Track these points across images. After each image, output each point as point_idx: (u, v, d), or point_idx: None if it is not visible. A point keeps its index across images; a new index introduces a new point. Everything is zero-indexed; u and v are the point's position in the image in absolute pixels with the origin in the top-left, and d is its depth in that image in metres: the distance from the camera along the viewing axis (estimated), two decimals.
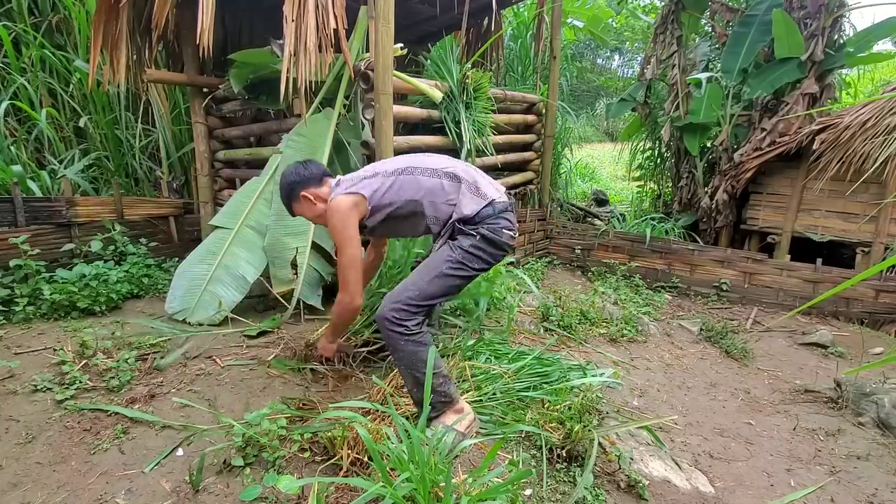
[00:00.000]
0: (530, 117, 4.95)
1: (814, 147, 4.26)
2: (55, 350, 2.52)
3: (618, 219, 5.99)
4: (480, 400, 2.12)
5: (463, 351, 2.45)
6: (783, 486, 2.07)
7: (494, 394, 2.16)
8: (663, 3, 5.95)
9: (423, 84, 3.36)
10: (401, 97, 4.12)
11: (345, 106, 3.27)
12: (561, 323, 3.30)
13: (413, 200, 1.97)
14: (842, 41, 4.56)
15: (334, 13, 2.60)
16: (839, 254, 4.63)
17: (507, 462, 1.82)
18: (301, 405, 2.16)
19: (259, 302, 3.49)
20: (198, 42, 2.51)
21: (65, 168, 4.43)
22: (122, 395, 2.20)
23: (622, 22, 11.31)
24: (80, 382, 2.23)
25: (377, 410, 1.88)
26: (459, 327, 2.75)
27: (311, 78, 2.62)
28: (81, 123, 4.61)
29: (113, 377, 2.27)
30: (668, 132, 5.44)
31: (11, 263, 3.10)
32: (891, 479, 2.11)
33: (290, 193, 2.09)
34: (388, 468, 1.47)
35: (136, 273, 3.61)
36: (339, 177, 2.12)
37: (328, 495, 1.60)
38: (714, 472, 2.12)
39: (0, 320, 2.94)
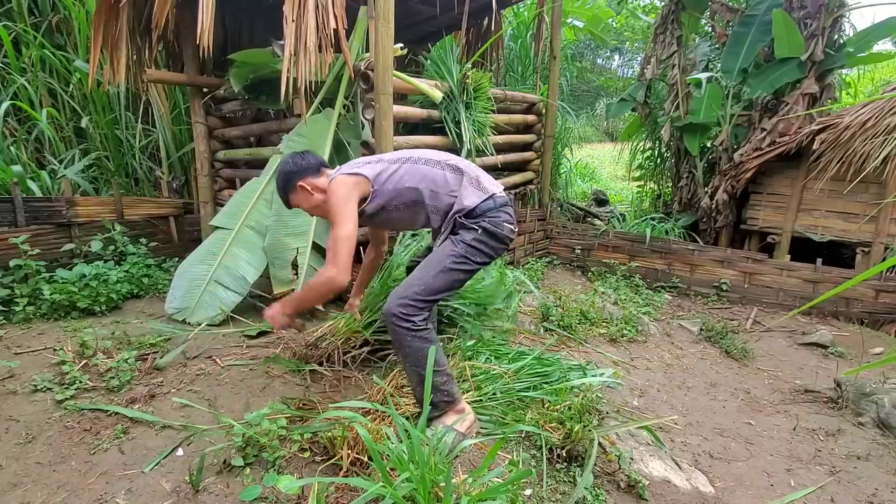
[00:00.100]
0: (530, 117, 4.95)
1: (814, 147, 4.26)
2: (55, 350, 2.52)
3: (618, 219, 5.99)
4: (480, 400, 2.12)
5: (463, 351, 2.45)
6: (783, 486, 2.07)
7: (494, 394, 2.16)
8: (663, 3, 5.95)
9: (423, 84, 3.36)
10: (401, 97, 4.12)
11: (345, 106, 3.27)
12: (561, 323, 3.30)
13: (415, 189, 1.97)
14: (842, 41, 4.56)
15: (334, 13, 2.60)
16: (839, 254, 4.63)
17: (507, 462, 1.82)
18: (301, 405, 2.16)
19: (259, 302, 3.49)
20: (198, 42, 2.51)
21: (65, 168, 4.43)
22: (122, 395, 2.20)
23: (622, 22, 11.31)
24: (80, 382, 2.23)
25: (377, 410, 1.87)
26: (461, 327, 2.75)
27: (311, 78, 2.62)
28: (83, 124, 4.61)
29: (113, 377, 2.27)
30: (668, 132, 5.44)
31: (11, 263, 3.10)
32: (891, 479, 2.11)
33: (287, 184, 2.03)
34: (388, 468, 1.47)
35: (136, 273, 3.61)
36: (338, 167, 2.10)
37: (328, 495, 1.60)
38: (714, 472, 2.12)
39: (0, 320, 2.94)
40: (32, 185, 3.91)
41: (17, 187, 3.42)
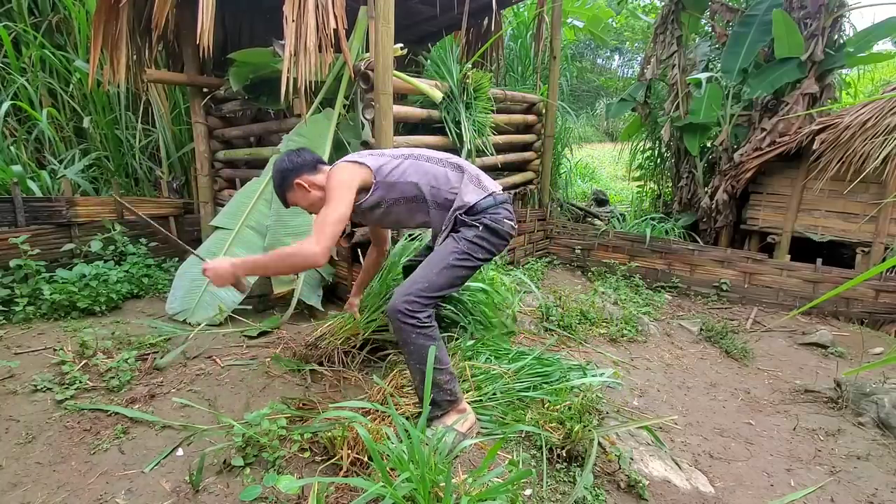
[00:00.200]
0: (530, 117, 4.95)
1: (814, 147, 4.26)
2: (55, 350, 2.52)
3: (618, 219, 5.99)
4: (480, 400, 2.12)
5: (463, 351, 2.45)
6: (783, 486, 2.07)
7: (494, 394, 2.16)
8: (663, 3, 5.95)
9: (423, 84, 3.37)
10: (401, 97, 4.12)
11: (345, 106, 3.27)
12: (561, 323, 3.30)
13: (416, 184, 1.98)
14: (842, 41, 4.56)
15: (334, 13, 2.60)
16: (839, 254, 4.63)
17: (507, 462, 1.82)
18: (301, 405, 2.16)
19: (259, 302, 3.49)
20: (198, 42, 2.51)
21: (65, 168, 4.43)
22: (122, 395, 2.20)
23: (622, 22, 11.31)
24: (80, 382, 2.23)
25: (377, 410, 1.88)
26: (462, 327, 2.75)
27: (311, 78, 2.62)
28: (85, 124, 4.61)
29: (113, 377, 2.27)
30: (668, 132, 5.44)
31: (11, 263, 3.10)
32: (891, 479, 2.11)
33: (283, 182, 1.98)
34: (388, 468, 1.47)
35: (136, 273, 3.61)
36: (337, 161, 2.08)
37: (328, 495, 1.60)
38: (714, 472, 2.12)
39: (0, 320, 2.94)
40: (32, 185, 3.91)
41: (17, 187, 3.43)
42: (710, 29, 5.95)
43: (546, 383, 2.27)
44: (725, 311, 4.38)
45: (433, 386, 1.76)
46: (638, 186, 7.15)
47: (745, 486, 2.05)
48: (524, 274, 4.02)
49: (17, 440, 1.89)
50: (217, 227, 3.44)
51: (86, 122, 4.62)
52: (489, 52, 5.56)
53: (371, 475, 1.64)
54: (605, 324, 3.50)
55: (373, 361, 2.53)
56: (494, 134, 4.10)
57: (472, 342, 2.55)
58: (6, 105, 4.19)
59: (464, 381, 2.21)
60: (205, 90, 4.09)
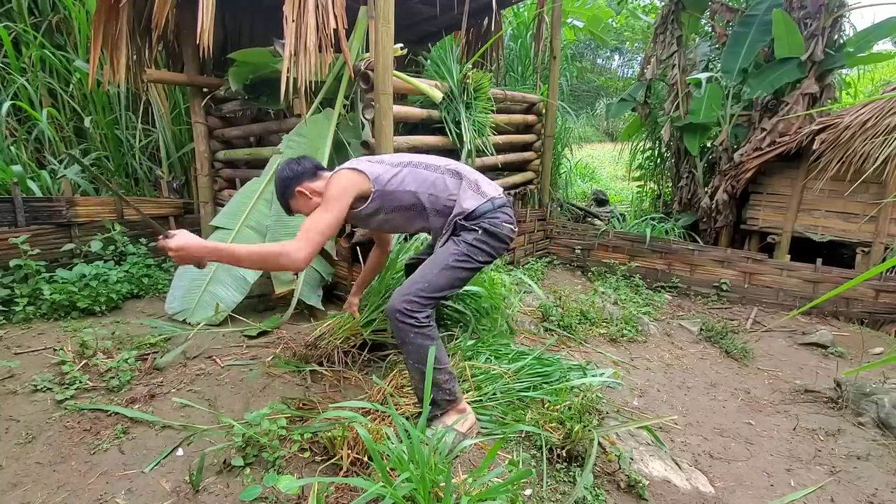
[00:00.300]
0: (530, 117, 4.95)
1: (814, 147, 4.26)
2: (55, 350, 2.52)
3: (618, 219, 5.99)
4: (480, 400, 2.12)
5: (463, 351, 2.45)
6: (783, 486, 2.07)
7: (494, 394, 2.16)
8: (663, 3, 5.95)
9: (423, 84, 3.37)
10: (401, 97, 4.12)
11: (345, 106, 3.27)
12: (561, 323, 3.30)
13: (414, 192, 1.98)
14: (842, 41, 4.56)
15: (334, 13, 2.60)
16: (839, 254, 4.63)
17: (507, 462, 1.82)
18: (301, 405, 2.16)
19: (259, 302, 3.49)
20: (198, 42, 2.51)
21: (65, 168, 4.43)
22: (122, 395, 2.20)
23: (622, 22, 11.31)
24: (80, 382, 2.23)
25: (377, 410, 1.88)
26: (462, 326, 2.75)
27: (311, 78, 2.62)
28: (86, 124, 4.61)
29: (113, 377, 2.27)
30: (668, 132, 5.44)
31: (11, 263, 3.10)
32: (891, 479, 2.11)
33: (286, 190, 2.01)
34: (388, 468, 1.47)
35: (136, 273, 3.61)
36: (337, 167, 2.08)
37: (328, 495, 1.60)
38: (714, 472, 2.12)
39: (0, 320, 2.94)
40: (32, 185, 3.91)
41: (17, 187, 3.43)
42: (710, 29, 5.95)
43: (546, 383, 2.27)
44: (725, 311, 4.38)
45: (432, 385, 1.76)
46: (638, 186, 7.15)
47: (745, 486, 2.05)
48: (524, 274, 4.02)
49: (17, 440, 1.89)
50: (217, 227, 3.44)
51: (86, 122, 4.62)
52: (489, 52, 5.56)
53: (371, 475, 1.64)
54: (605, 324, 3.50)
55: (373, 361, 2.53)
56: (494, 134, 4.10)
57: (472, 342, 2.55)
58: (6, 105, 4.19)
59: (464, 381, 2.21)
60: (205, 90, 4.09)
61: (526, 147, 5.09)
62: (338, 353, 2.50)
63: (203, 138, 4.24)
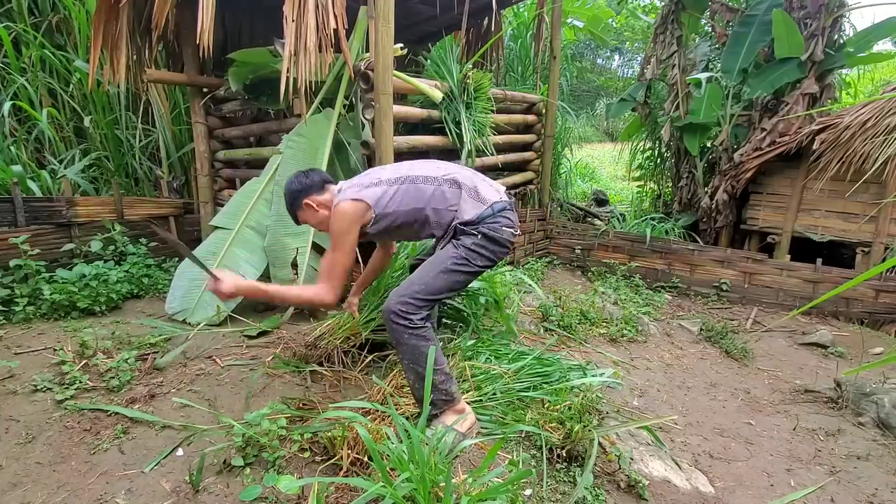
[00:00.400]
0: (530, 117, 4.95)
1: (814, 147, 4.26)
2: (55, 350, 2.52)
3: (618, 219, 5.99)
4: (480, 400, 2.12)
5: (463, 351, 2.45)
6: (783, 486, 2.07)
7: (494, 394, 2.16)
8: (663, 3, 5.95)
9: (423, 84, 3.36)
10: (401, 97, 4.12)
11: (345, 106, 3.27)
12: (561, 323, 3.30)
13: (416, 209, 2.01)
14: (842, 41, 4.56)
15: (334, 13, 2.60)
16: (839, 254, 4.63)
17: (507, 462, 1.82)
18: (301, 405, 2.16)
19: (259, 302, 3.49)
20: (198, 42, 2.51)
21: (65, 168, 4.43)
22: (122, 395, 2.20)
23: (622, 22, 11.31)
24: (80, 382, 2.23)
25: (377, 410, 1.88)
26: (461, 326, 2.75)
27: (311, 78, 2.62)
28: (86, 124, 4.61)
29: (113, 377, 2.27)
30: (668, 132, 5.44)
31: (11, 263, 3.10)
32: (891, 479, 2.11)
33: (294, 203, 2.09)
34: (388, 468, 1.47)
35: (136, 273, 3.61)
36: (340, 183, 2.14)
37: (328, 495, 1.60)
38: (714, 472, 2.12)
39: (0, 320, 2.94)
40: (32, 185, 3.91)
41: (17, 187, 3.43)
42: (710, 29, 5.95)
43: (546, 383, 2.27)
44: (725, 311, 4.38)
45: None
46: (638, 186, 7.15)
47: (745, 486, 2.05)
48: (524, 274, 4.02)
49: (17, 440, 1.89)
50: (217, 227, 3.43)
51: (86, 122, 4.62)
52: (489, 52, 5.56)
53: (371, 475, 1.64)
54: (605, 324, 3.50)
55: (373, 361, 2.53)
56: (494, 134, 4.10)
57: (472, 342, 2.55)
58: (7, 105, 4.19)
59: (464, 381, 2.21)
60: (205, 90, 4.09)
61: (526, 147, 5.09)
62: (338, 353, 2.50)
63: (203, 138, 4.24)
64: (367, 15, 3.12)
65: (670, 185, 6.20)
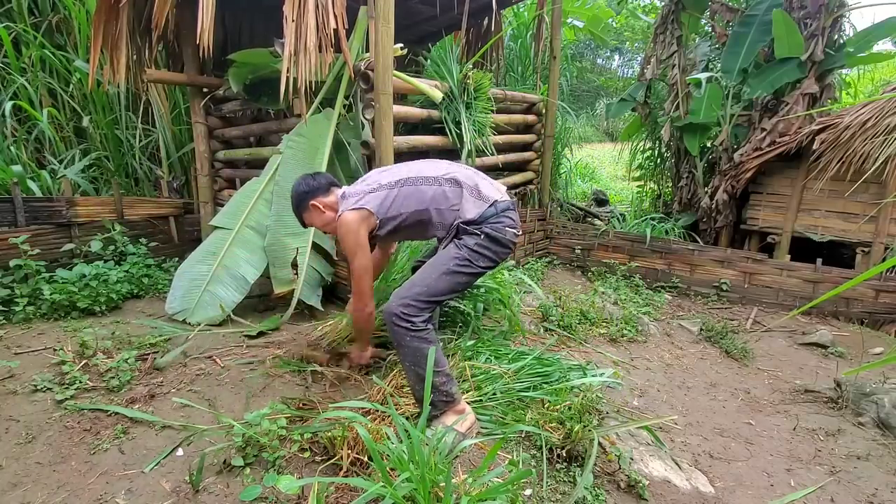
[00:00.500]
0: (530, 117, 4.95)
1: (814, 147, 4.25)
2: (55, 350, 2.52)
3: (618, 219, 5.99)
4: (480, 400, 2.12)
5: (463, 351, 2.45)
6: (783, 486, 2.07)
7: (494, 394, 2.16)
8: (663, 3, 5.95)
9: (423, 84, 3.36)
10: (401, 97, 4.12)
11: (345, 106, 3.27)
12: (561, 323, 3.30)
13: (419, 210, 2.02)
14: (842, 41, 4.56)
15: (334, 13, 2.60)
16: (839, 254, 4.63)
17: (507, 462, 1.82)
18: (301, 405, 2.16)
19: (259, 302, 3.49)
20: (198, 42, 2.51)
21: (65, 168, 4.43)
22: (122, 395, 2.20)
23: (622, 22, 11.31)
24: (80, 382, 2.23)
25: (377, 410, 1.88)
26: (462, 326, 2.75)
27: (311, 78, 2.62)
28: (85, 124, 4.61)
29: (113, 377, 2.27)
30: (668, 132, 5.44)
31: (11, 263, 3.10)
32: (891, 479, 2.11)
33: (301, 204, 2.14)
34: (388, 468, 1.47)
35: (136, 273, 3.61)
36: (344, 188, 2.18)
37: (328, 495, 1.60)
38: (714, 472, 2.12)
39: (0, 320, 2.94)
40: (32, 185, 3.91)
41: (17, 187, 3.43)
42: (710, 29, 5.95)
43: (546, 383, 2.27)
44: (725, 311, 4.38)
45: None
46: (638, 186, 7.15)
47: (745, 486, 2.05)
48: (524, 274, 4.02)
49: (17, 440, 1.89)
50: (217, 227, 3.43)
51: (85, 122, 4.62)
52: (489, 52, 5.56)
53: (371, 475, 1.64)
54: (605, 324, 3.50)
55: (373, 361, 2.53)
56: (494, 134, 4.10)
57: (472, 342, 2.55)
58: (8, 106, 4.19)
59: (464, 381, 2.21)
60: (205, 90, 4.09)
61: (526, 147, 5.09)
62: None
63: (203, 138, 4.24)
64: (367, 15, 3.12)
65: (670, 185, 6.20)
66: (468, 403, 2.02)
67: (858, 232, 4.32)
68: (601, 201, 7.52)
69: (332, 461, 1.76)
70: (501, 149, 4.44)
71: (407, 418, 1.86)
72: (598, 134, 14.72)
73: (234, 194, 3.55)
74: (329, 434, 1.81)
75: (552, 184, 5.84)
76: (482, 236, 1.95)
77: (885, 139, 3.95)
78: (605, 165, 11.39)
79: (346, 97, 3.23)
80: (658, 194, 6.68)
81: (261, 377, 2.42)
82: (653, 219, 5.42)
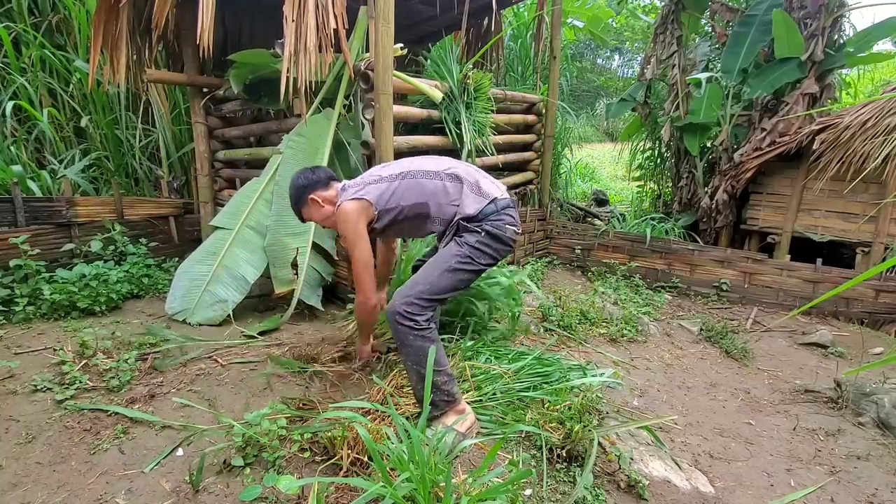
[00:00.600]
0: (530, 117, 4.95)
1: (814, 147, 4.25)
2: (55, 350, 2.52)
3: (618, 219, 5.99)
4: (480, 400, 2.12)
5: (463, 351, 2.45)
6: (783, 486, 2.07)
7: (494, 394, 2.16)
8: (663, 3, 5.95)
9: (423, 84, 3.36)
10: (401, 97, 4.12)
11: (345, 106, 3.27)
12: (561, 323, 3.30)
13: (418, 203, 2.01)
14: (842, 41, 4.56)
15: (334, 13, 2.60)
16: (839, 254, 4.63)
17: (507, 462, 1.82)
18: (301, 405, 2.16)
19: (259, 302, 3.49)
20: (198, 42, 2.51)
21: (65, 168, 4.43)
22: (122, 395, 2.20)
23: (622, 22, 11.31)
24: (80, 382, 2.23)
25: (377, 410, 1.88)
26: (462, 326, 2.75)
27: (311, 78, 2.62)
28: (83, 124, 4.61)
29: (113, 377, 2.28)
30: (668, 132, 5.43)
31: (11, 263, 3.10)
32: (891, 479, 2.11)
33: (300, 198, 2.13)
34: (388, 468, 1.47)
35: (136, 273, 3.61)
36: (344, 181, 2.17)
37: (328, 495, 1.60)
38: (714, 472, 2.12)
39: (0, 320, 2.94)
40: (32, 185, 3.91)
41: (17, 187, 3.43)
42: (710, 29, 5.94)
43: (546, 383, 2.27)
44: (725, 311, 4.38)
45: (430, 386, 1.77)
46: (638, 186, 7.15)
47: (745, 486, 2.05)
48: (524, 274, 4.02)
49: (17, 440, 1.89)
50: (217, 227, 3.43)
51: (83, 122, 4.62)
52: (489, 52, 5.56)
53: (371, 475, 1.64)
54: (605, 324, 3.50)
55: (373, 361, 2.53)
56: (494, 134, 4.10)
57: (471, 342, 2.55)
58: (8, 106, 4.19)
59: (464, 381, 2.21)
60: (205, 90, 4.09)
61: (526, 147, 5.09)
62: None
63: (203, 138, 4.24)
64: (367, 15, 3.12)
65: (670, 185, 6.20)
66: (468, 403, 2.02)
67: (858, 232, 4.32)
68: (601, 201, 7.52)
69: (332, 461, 1.76)
70: (501, 149, 4.44)
71: (407, 418, 1.86)
72: (598, 134, 14.72)
73: (235, 194, 3.55)
74: (329, 434, 1.81)
75: (552, 184, 5.84)
76: (483, 234, 1.95)
77: (885, 139, 3.95)
78: (605, 165, 11.39)
79: (346, 97, 3.24)
80: (658, 194, 6.68)
81: (261, 377, 2.42)
82: (653, 219, 5.41)
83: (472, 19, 5.01)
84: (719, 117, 5.03)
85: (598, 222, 6.28)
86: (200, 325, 3.08)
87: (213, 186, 4.38)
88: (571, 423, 1.93)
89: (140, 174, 4.95)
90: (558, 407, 2.05)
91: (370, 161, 3.13)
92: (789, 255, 4.54)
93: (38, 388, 2.19)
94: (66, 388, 2.19)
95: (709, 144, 5.41)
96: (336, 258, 3.37)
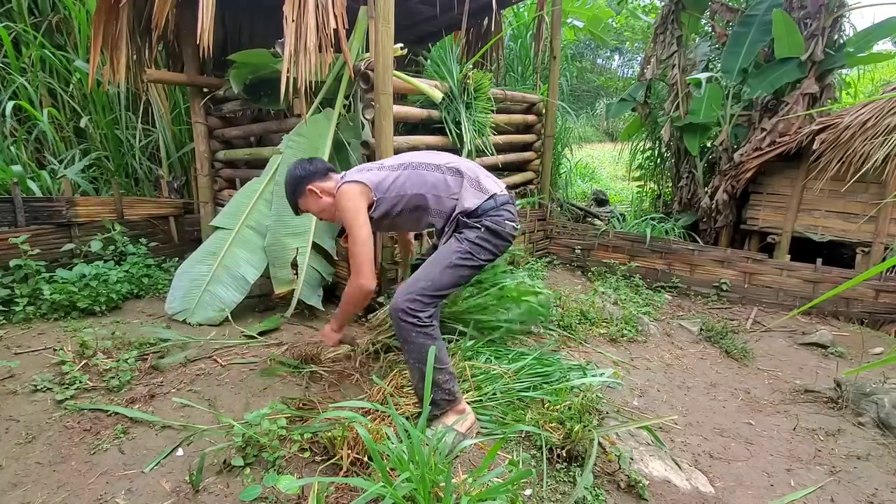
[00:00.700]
0: (530, 117, 4.95)
1: (814, 147, 4.25)
2: (55, 350, 2.52)
3: (618, 219, 5.99)
4: (480, 400, 2.12)
5: (463, 351, 2.45)
6: (783, 486, 2.07)
7: (494, 394, 2.16)
8: (663, 3, 5.95)
9: (423, 84, 3.36)
10: (401, 97, 4.12)
11: (345, 106, 3.27)
12: (561, 323, 3.30)
13: (417, 194, 2.01)
14: (842, 41, 4.56)
15: (334, 13, 2.60)
16: (839, 254, 4.63)
17: (507, 462, 1.82)
18: (301, 405, 2.16)
19: (259, 302, 3.49)
20: (198, 42, 2.51)
21: (65, 168, 4.43)
22: (122, 395, 2.20)
23: (622, 22, 11.31)
24: (80, 382, 2.23)
25: (377, 410, 1.88)
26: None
27: (311, 78, 2.62)
28: (83, 124, 4.61)
29: (113, 377, 2.28)
30: (668, 132, 5.43)
31: (11, 263, 3.10)
32: (891, 479, 2.11)
33: (296, 188, 2.09)
34: (388, 468, 1.47)
35: (136, 273, 3.61)
36: (343, 172, 2.16)
37: (328, 495, 1.60)
38: (714, 472, 2.12)
39: (0, 320, 2.94)
40: (32, 185, 3.91)
41: (17, 187, 3.42)
42: (710, 29, 5.94)
43: (546, 383, 2.27)
44: (725, 311, 4.38)
45: (432, 385, 1.77)
46: (638, 186, 7.15)
47: (745, 486, 2.05)
48: (524, 274, 4.02)
49: (17, 440, 1.89)
50: (217, 227, 3.43)
51: (83, 122, 4.62)
52: (489, 52, 5.56)
53: (371, 475, 1.64)
54: (605, 324, 3.50)
55: (373, 361, 2.53)
56: (494, 134, 4.10)
57: (471, 342, 2.55)
58: (8, 106, 4.19)
59: (464, 381, 2.21)
60: (205, 90, 4.09)
61: (526, 147, 5.09)
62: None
63: (203, 138, 4.24)
64: (367, 15, 3.12)
65: (670, 185, 6.20)
66: (468, 403, 2.02)
67: (858, 232, 4.32)
68: (601, 201, 7.52)
69: (332, 461, 1.76)
70: (501, 149, 4.44)
71: (407, 418, 1.87)
72: (598, 134, 14.72)
73: (235, 194, 3.55)
74: (329, 434, 1.81)
75: (552, 184, 5.84)
76: (482, 229, 1.96)
77: (885, 139, 3.95)
78: (605, 165, 11.39)
79: (346, 97, 3.23)
80: (658, 194, 6.68)
81: (261, 377, 2.42)
82: (653, 219, 5.41)
83: (472, 19, 5.01)
84: (719, 117, 5.03)
85: (598, 222, 6.28)
86: (200, 325, 3.08)
87: (213, 186, 4.38)
88: (571, 423, 1.93)
89: (140, 174, 4.95)
90: (558, 407, 2.05)
91: (370, 161, 3.13)
92: (789, 255, 4.54)
93: (38, 388, 2.19)
94: (66, 388, 2.19)
95: (709, 144, 5.41)
96: (336, 258, 3.37)
